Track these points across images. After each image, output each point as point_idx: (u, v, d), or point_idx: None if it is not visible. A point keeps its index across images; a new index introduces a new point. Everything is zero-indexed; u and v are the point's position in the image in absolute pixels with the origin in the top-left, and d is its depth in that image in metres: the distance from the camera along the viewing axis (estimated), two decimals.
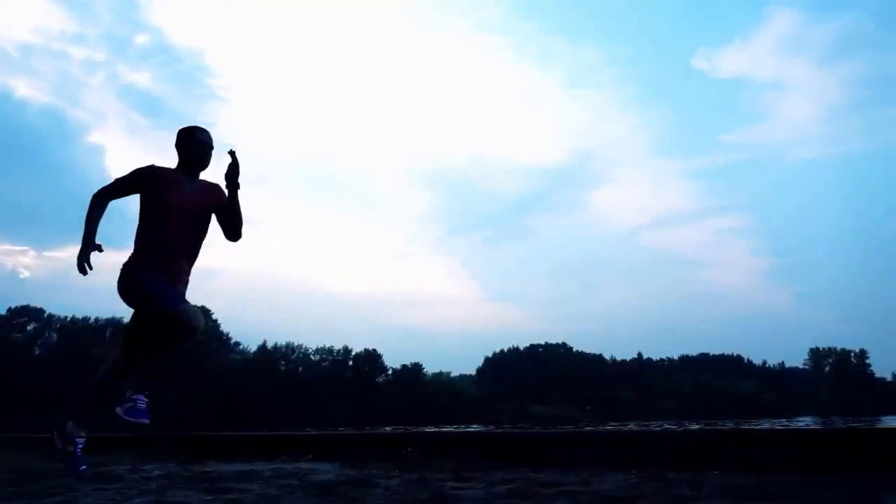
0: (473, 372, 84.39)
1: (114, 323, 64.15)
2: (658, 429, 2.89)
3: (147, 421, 2.80)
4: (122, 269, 2.95)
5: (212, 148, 3.14)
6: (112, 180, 3.05)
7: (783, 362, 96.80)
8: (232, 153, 3.04)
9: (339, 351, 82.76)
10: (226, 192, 3.09)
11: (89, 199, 3.00)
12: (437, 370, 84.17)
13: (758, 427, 2.91)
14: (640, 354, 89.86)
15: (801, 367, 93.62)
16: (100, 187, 3.04)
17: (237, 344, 77.63)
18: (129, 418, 2.75)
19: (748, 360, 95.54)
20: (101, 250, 2.95)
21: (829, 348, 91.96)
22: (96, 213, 2.98)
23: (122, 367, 2.93)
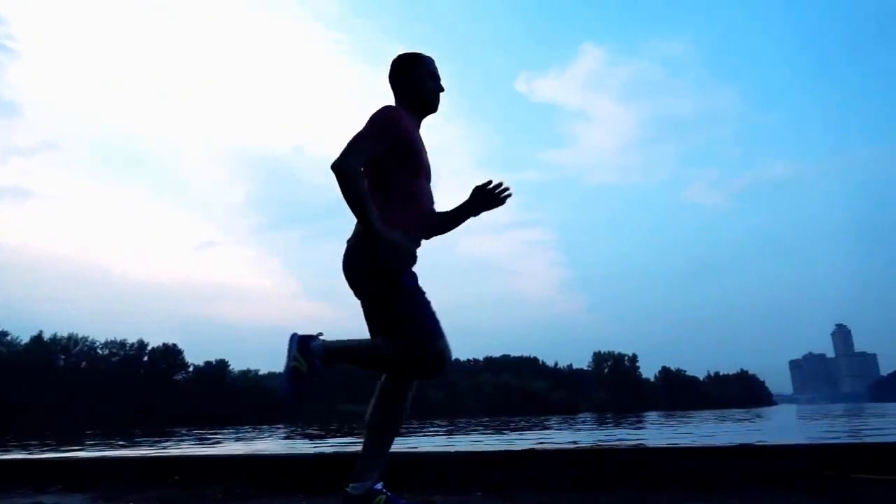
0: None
1: None
2: (430, 451, 3.03)
3: None
4: (377, 237, 2.01)
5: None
6: (355, 140, 2.07)
7: (571, 364, 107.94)
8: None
9: (132, 345, 75.61)
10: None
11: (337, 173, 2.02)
12: (244, 368, 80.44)
13: (514, 448, 3.15)
14: None
15: (585, 368, 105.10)
16: (346, 157, 2.04)
17: (5, 334, 67.92)
18: None
19: (542, 361, 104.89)
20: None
21: (609, 352, 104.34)
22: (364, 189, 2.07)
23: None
